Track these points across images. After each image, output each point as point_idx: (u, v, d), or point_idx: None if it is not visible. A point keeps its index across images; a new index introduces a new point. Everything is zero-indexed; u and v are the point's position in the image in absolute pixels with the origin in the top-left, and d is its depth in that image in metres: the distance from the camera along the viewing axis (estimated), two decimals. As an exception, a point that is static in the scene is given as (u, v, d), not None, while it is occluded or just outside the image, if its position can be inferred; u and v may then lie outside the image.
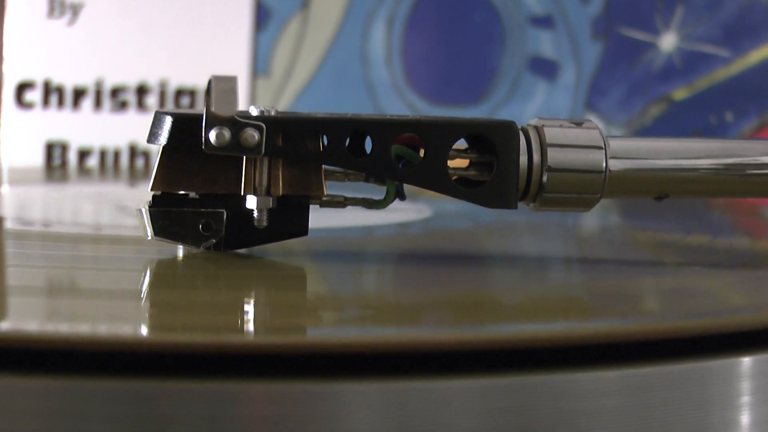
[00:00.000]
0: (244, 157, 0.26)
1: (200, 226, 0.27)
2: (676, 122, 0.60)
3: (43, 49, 0.58)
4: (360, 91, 0.60)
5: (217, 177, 0.26)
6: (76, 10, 0.58)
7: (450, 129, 0.26)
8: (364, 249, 0.33)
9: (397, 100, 0.60)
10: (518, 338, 0.21)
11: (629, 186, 0.28)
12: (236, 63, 0.59)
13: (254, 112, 0.26)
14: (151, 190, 0.26)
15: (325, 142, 0.26)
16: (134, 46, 0.59)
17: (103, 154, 0.58)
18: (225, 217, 0.27)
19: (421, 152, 0.27)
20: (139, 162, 0.59)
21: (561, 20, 0.60)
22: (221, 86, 0.24)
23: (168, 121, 0.26)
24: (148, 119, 0.60)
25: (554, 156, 0.27)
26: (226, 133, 0.25)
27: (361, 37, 0.60)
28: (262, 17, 0.60)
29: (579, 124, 0.28)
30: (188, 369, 0.19)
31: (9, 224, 0.34)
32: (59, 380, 0.19)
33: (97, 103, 0.58)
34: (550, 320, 0.23)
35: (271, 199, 0.26)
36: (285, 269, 0.28)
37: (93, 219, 0.38)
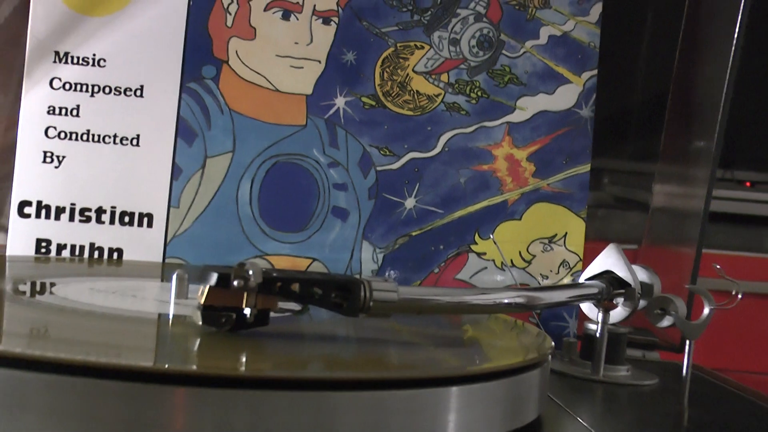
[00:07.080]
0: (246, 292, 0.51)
1: (222, 320, 0.50)
2: (413, 249, 0.83)
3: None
4: (233, 221, 0.82)
5: (232, 299, 0.49)
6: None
7: (329, 283, 0.56)
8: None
9: (255, 228, 0.82)
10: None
11: (404, 308, 0.54)
12: (160, 199, 0.81)
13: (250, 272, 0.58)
14: (203, 304, 0.50)
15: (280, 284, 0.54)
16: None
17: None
18: (234, 317, 0.50)
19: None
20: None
21: (351, 186, 0.83)
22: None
23: (215, 275, 0.53)
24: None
25: (376, 295, 0.53)
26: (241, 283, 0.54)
27: (235, 187, 0.82)
28: (176, 172, 0.82)
29: (386, 281, 0.61)
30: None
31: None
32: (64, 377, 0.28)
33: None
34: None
35: (256, 309, 0.50)
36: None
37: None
